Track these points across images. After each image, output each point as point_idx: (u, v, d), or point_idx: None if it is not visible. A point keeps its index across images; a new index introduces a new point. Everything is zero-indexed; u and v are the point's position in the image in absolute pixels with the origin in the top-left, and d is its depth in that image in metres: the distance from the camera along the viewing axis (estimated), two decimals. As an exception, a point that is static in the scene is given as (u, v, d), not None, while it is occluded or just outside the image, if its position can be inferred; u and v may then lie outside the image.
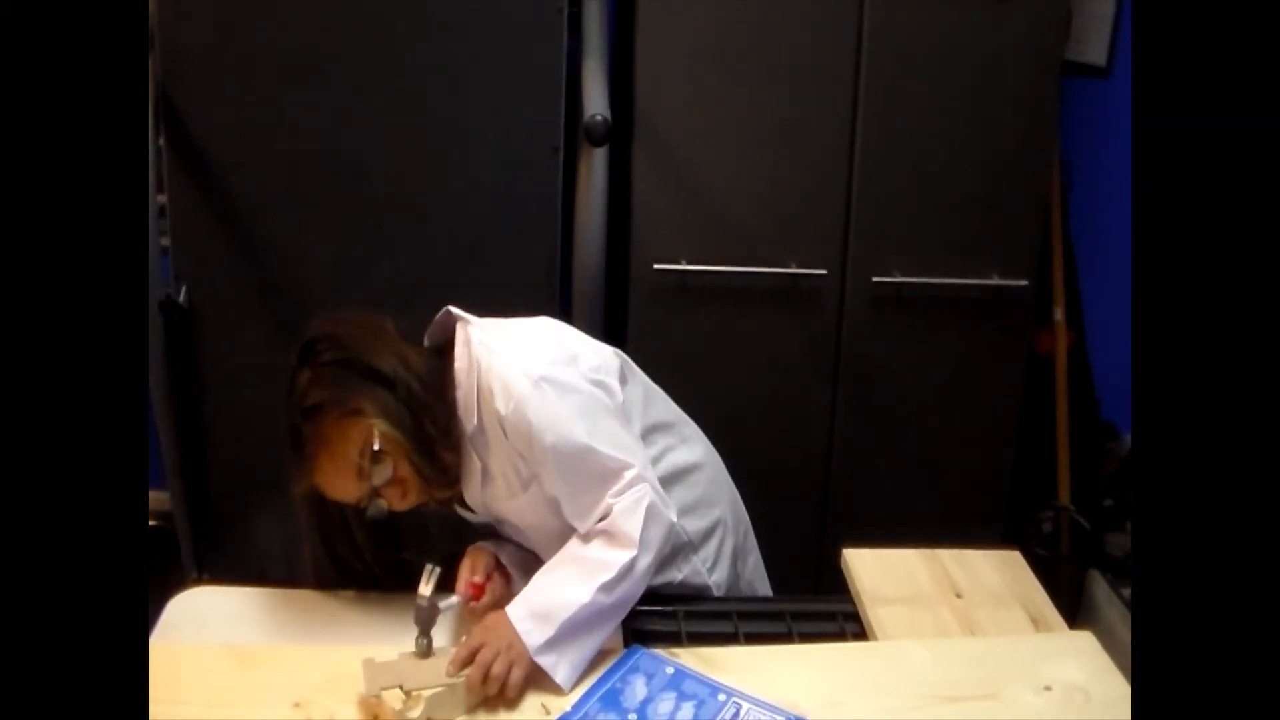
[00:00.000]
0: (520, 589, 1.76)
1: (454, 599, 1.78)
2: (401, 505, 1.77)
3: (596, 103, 2.48)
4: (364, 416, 1.69)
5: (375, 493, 1.73)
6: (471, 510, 1.89)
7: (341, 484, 1.73)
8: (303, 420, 1.70)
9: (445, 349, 1.81)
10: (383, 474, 1.71)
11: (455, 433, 1.77)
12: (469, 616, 1.81)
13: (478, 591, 1.82)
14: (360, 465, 1.70)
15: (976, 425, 3.00)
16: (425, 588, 1.67)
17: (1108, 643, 1.81)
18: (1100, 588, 1.92)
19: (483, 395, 1.74)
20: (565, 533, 1.79)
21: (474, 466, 1.79)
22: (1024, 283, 2.89)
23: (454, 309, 1.84)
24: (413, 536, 1.88)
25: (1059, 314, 3.30)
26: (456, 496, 1.86)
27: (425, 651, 1.67)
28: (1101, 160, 3.36)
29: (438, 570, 1.69)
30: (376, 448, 1.69)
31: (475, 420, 1.76)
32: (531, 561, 1.87)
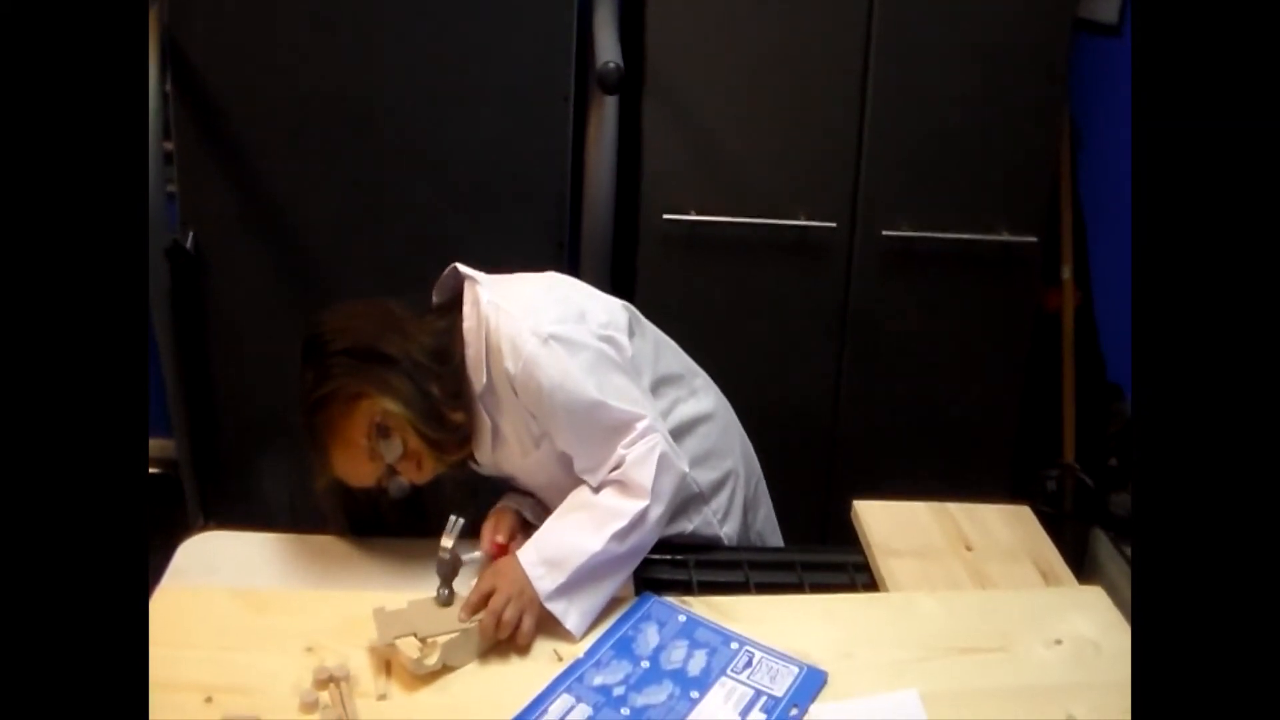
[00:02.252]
0: None
1: (477, 553, 1.79)
2: (419, 478, 1.77)
3: (609, 50, 2.46)
4: (366, 398, 1.69)
5: (392, 470, 1.73)
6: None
7: (356, 469, 1.73)
8: (312, 416, 1.71)
9: (453, 307, 1.80)
10: (393, 450, 1.71)
11: (465, 392, 1.77)
12: None
13: (500, 551, 1.81)
14: (370, 447, 1.70)
15: (983, 381, 2.99)
16: (447, 540, 1.68)
17: (1111, 600, 1.82)
18: (1103, 546, 1.93)
19: (492, 354, 1.74)
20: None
21: (484, 426, 1.79)
22: (1033, 240, 2.88)
23: (461, 267, 1.83)
24: (434, 505, 1.88)
25: (1067, 272, 3.28)
26: (468, 456, 1.85)
27: (446, 601, 1.67)
28: (1112, 119, 3.33)
29: (460, 522, 1.69)
30: (381, 425, 1.69)
31: (485, 379, 1.75)
32: None
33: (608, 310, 1.88)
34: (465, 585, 1.70)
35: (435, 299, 1.87)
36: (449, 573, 1.69)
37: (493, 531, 1.84)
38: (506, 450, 1.82)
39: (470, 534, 1.80)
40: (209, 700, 1.49)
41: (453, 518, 1.69)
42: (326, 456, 1.73)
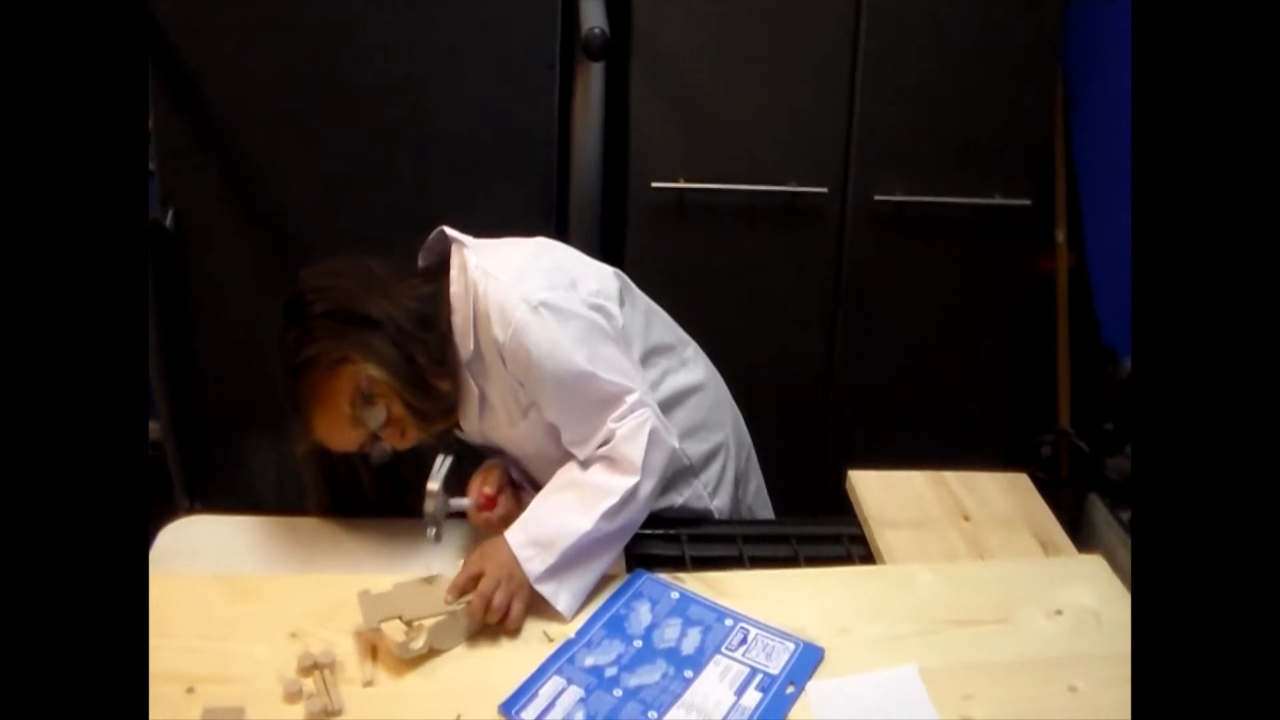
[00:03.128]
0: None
1: (466, 500, 1.77)
2: (403, 444, 1.74)
3: (594, 16, 2.41)
4: (350, 363, 1.65)
5: (375, 437, 1.70)
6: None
7: (339, 435, 1.70)
8: (293, 379, 1.67)
9: (440, 271, 1.76)
10: (377, 417, 1.67)
11: (450, 359, 1.73)
12: (479, 527, 1.79)
13: (489, 502, 1.79)
14: (353, 413, 1.66)
15: (977, 346, 2.97)
16: (434, 482, 1.66)
17: (1109, 566, 1.80)
18: (1099, 511, 1.91)
19: (480, 321, 1.70)
20: (565, 461, 1.76)
21: (471, 394, 1.75)
22: (1026, 202, 2.85)
23: (449, 230, 1.79)
24: (415, 476, 1.85)
25: (1060, 235, 3.26)
26: (453, 425, 1.82)
27: (436, 539, 1.66)
28: (1105, 80, 3.30)
29: (449, 460, 1.67)
30: (366, 391, 1.65)
31: (472, 346, 1.71)
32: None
33: (599, 278, 1.84)
34: (452, 567, 1.67)
35: (421, 262, 1.83)
36: (439, 514, 1.67)
37: (481, 483, 1.81)
38: (494, 419, 1.79)
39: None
40: (190, 691, 1.46)
41: (440, 457, 1.67)
42: (308, 421, 1.69)
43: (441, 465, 1.68)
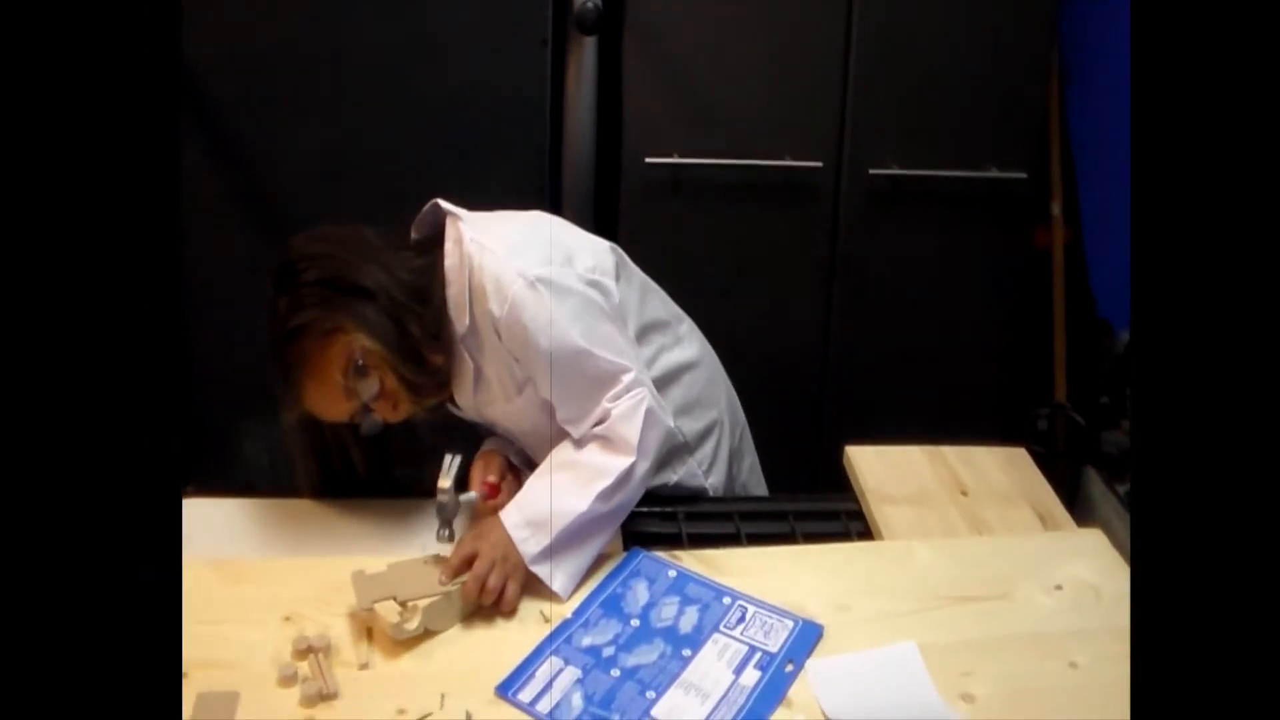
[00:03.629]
0: None
1: (472, 494, 1.76)
2: (394, 417, 1.72)
3: (586, -10, 2.40)
4: (344, 333, 1.62)
5: (366, 408, 1.67)
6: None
7: (330, 405, 1.67)
8: (284, 346, 1.64)
9: (434, 243, 1.74)
10: (369, 389, 1.65)
11: (445, 333, 1.71)
12: (489, 515, 1.77)
13: (493, 491, 1.78)
14: (346, 384, 1.64)
15: (973, 320, 2.96)
16: (445, 480, 1.65)
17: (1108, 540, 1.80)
18: (1096, 485, 1.91)
19: (475, 295, 1.68)
20: (560, 438, 1.75)
21: (466, 368, 1.74)
22: (1022, 176, 2.84)
23: (442, 202, 1.77)
24: (404, 449, 1.84)
25: (1056, 209, 3.24)
26: (447, 398, 1.80)
27: (450, 539, 1.65)
28: (1100, 54, 3.28)
29: (458, 459, 1.66)
30: (359, 363, 1.63)
31: (467, 320, 1.70)
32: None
33: (595, 253, 1.82)
34: (446, 547, 1.66)
35: (414, 235, 1.80)
36: (450, 514, 1.66)
37: (483, 472, 1.81)
38: (489, 395, 1.78)
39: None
40: (184, 676, 1.44)
41: (449, 456, 1.66)
42: (298, 389, 1.66)
43: (451, 464, 1.66)
